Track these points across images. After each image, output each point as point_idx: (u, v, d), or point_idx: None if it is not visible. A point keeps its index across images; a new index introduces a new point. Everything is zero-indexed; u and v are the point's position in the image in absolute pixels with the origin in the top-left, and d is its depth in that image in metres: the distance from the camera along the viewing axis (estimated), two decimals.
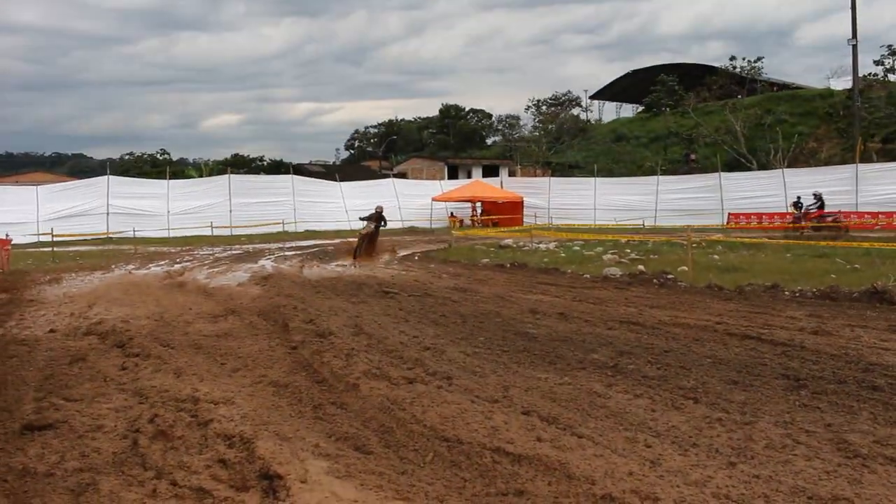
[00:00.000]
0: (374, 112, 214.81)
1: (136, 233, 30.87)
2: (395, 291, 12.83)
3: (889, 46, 54.64)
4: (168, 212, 37.98)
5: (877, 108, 50.07)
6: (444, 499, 3.97)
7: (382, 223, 21.44)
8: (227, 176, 41.99)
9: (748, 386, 6.24)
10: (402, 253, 23.32)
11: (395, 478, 4.27)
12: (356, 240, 21.48)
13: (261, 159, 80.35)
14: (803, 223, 27.80)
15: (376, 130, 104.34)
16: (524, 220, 42.42)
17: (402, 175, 63.14)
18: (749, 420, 5.29)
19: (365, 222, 21.38)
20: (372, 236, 21.04)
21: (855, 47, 45.08)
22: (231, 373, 7.03)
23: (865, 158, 42.13)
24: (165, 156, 77.60)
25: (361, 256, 20.38)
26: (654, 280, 13.82)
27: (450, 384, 6.33)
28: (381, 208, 21.54)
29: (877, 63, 54.88)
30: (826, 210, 29.29)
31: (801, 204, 34.39)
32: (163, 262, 20.68)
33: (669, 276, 13.98)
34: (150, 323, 9.86)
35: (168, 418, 5.23)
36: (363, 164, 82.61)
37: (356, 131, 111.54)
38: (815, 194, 30.02)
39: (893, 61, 54.07)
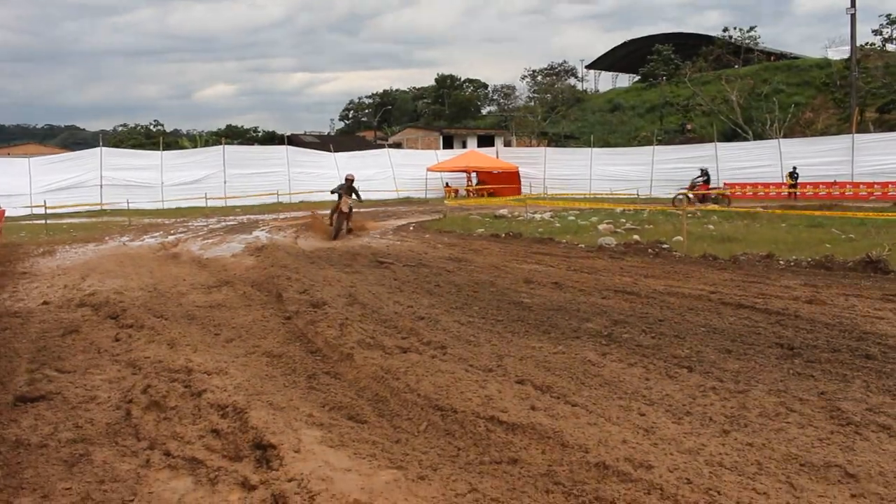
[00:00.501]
0: (370, 82, 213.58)
1: (129, 204, 30.63)
2: (389, 261, 12.80)
3: (888, 15, 54.18)
4: (162, 183, 37.73)
5: (874, 78, 49.79)
6: (437, 467, 3.97)
7: (355, 196, 19.11)
8: (221, 147, 41.71)
9: (742, 355, 6.25)
10: (398, 223, 23.26)
11: (388, 447, 4.27)
12: (330, 216, 18.96)
13: (255, 130, 79.96)
14: (691, 197, 28.38)
15: (371, 101, 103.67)
16: (522, 190, 42.30)
17: (397, 145, 62.96)
18: (743, 388, 5.30)
19: (336, 196, 18.94)
20: (349, 213, 18.73)
21: (853, 16, 44.67)
22: (225, 343, 7.02)
23: (862, 129, 41.98)
24: (159, 127, 77.17)
25: (342, 237, 18.27)
26: (649, 250, 13.82)
27: (444, 353, 6.32)
28: (352, 177, 19.41)
29: (875, 32, 54.44)
30: (712, 185, 30.72)
31: (797, 174, 34.40)
32: (157, 234, 20.61)
33: (664, 246, 13.98)
34: (143, 294, 9.83)
35: (161, 389, 5.22)
36: (358, 135, 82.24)
37: (351, 101, 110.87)
38: (701, 169, 30.90)
39: (892, 30, 53.67)
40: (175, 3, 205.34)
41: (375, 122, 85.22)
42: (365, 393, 5.34)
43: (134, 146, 54.02)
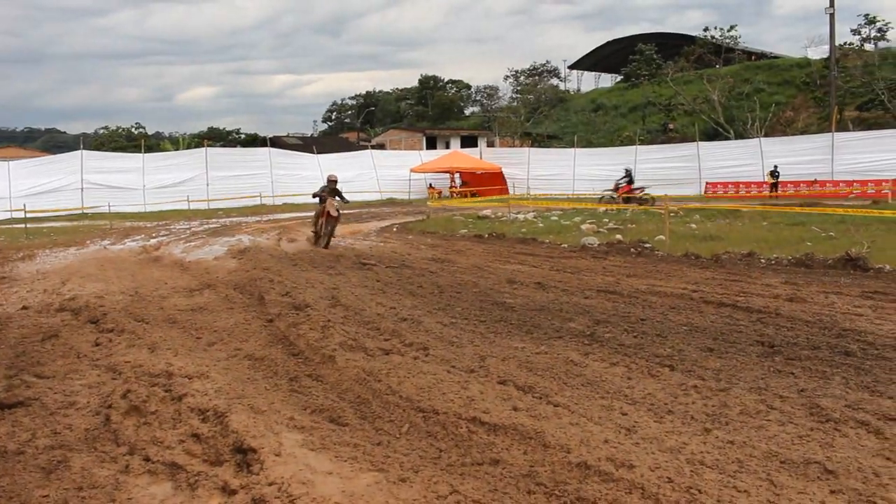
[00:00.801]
0: (353, 84, 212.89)
1: (111, 208, 30.46)
2: (372, 263, 12.79)
3: (866, 15, 54.84)
4: (144, 186, 37.55)
5: (853, 77, 50.25)
6: (419, 469, 3.96)
7: (339, 198, 17.30)
8: (203, 149, 41.56)
9: (724, 353, 6.28)
10: (381, 224, 23.23)
11: (370, 449, 4.25)
12: (315, 222, 17.16)
13: (237, 132, 79.60)
14: (615, 196, 29.01)
15: (354, 102, 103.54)
16: (509, 190, 42.34)
17: (381, 146, 62.86)
18: (724, 387, 5.32)
19: (319, 199, 17.01)
20: (338, 217, 16.86)
21: (832, 16, 45.08)
22: (206, 347, 6.98)
23: (841, 127, 42.31)
24: (141, 130, 76.54)
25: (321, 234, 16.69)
26: (632, 249, 13.88)
27: (426, 355, 6.31)
28: (334, 178, 17.57)
29: (853, 32, 54.96)
30: (635, 185, 30.95)
31: (778, 173, 34.68)
32: (138, 237, 20.48)
33: (647, 246, 14.04)
34: (124, 298, 9.76)
35: (141, 393, 5.17)
36: (341, 136, 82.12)
37: (334, 103, 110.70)
38: (625, 170, 31.67)
39: (870, 30, 54.20)
40: (154, 6, 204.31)
41: (358, 123, 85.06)
42: (347, 395, 5.31)
43: (115, 149, 53.65)
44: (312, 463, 3.98)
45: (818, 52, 57.83)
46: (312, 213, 18.13)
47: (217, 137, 71.26)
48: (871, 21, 53.42)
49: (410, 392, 5.21)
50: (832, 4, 44.36)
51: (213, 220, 28.26)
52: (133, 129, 76.03)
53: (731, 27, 67.58)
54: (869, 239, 13.76)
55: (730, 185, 37.48)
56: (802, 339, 6.69)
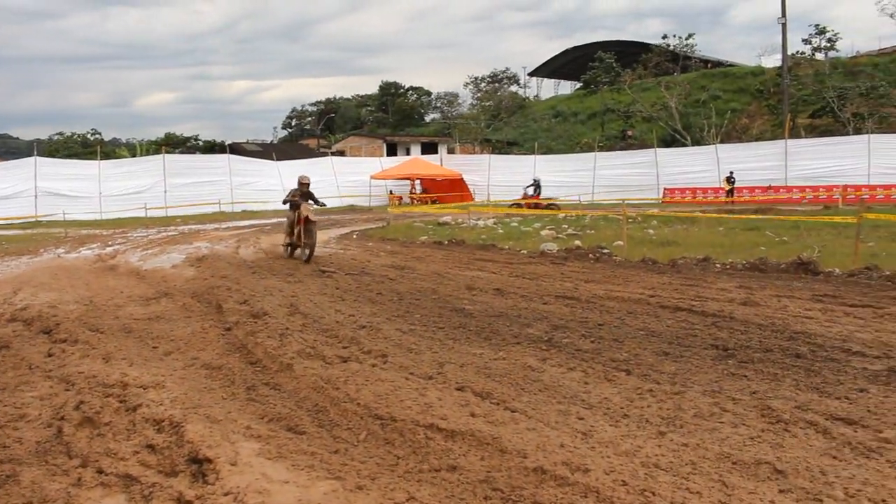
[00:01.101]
0: (313, 90, 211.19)
1: (66, 216, 29.89)
2: (331, 270, 12.74)
3: (816, 26, 56.05)
4: (100, 193, 36.91)
5: (805, 85, 51.38)
6: (376, 476, 3.96)
7: (313, 202, 15.41)
8: (161, 156, 41.03)
9: (679, 357, 6.37)
10: (341, 231, 23.14)
11: (327, 457, 4.24)
12: (288, 231, 15.34)
13: (196, 138, 78.71)
14: (522, 205, 29.90)
15: (314, 108, 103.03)
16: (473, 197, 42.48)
17: (341, 153, 62.69)
18: (679, 390, 5.40)
19: (290, 205, 15.26)
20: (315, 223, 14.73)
21: (784, 26, 46.07)
22: (163, 356, 6.90)
23: (794, 134, 43.25)
24: (97, 136, 75.43)
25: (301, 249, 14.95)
26: (590, 255, 14.01)
27: (385, 362, 6.31)
28: (307, 180, 15.70)
29: (805, 42, 56.21)
30: (543, 195, 32.34)
31: (734, 179, 35.30)
32: (94, 245, 20.13)
33: (605, 251, 14.18)
34: (78, 308, 9.59)
35: (95, 405, 5.09)
36: (301, 143, 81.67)
37: (294, 109, 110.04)
38: (534, 179, 32.73)
39: (820, 40, 55.46)
40: (111, 9, 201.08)
41: (319, 129, 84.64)
42: (304, 403, 5.29)
43: (70, 155, 52.73)
44: (269, 472, 3.96)
45: (772, 61, 59.17)
46: (275, 221, 17.49)
47: (175, 144, 70.33)
48: (821, 31, 54.69)
49: (368, 399, 5.21)
50: (784, 14, 45.32)
51: (171, 227, 27.89)
52: (89, 135, 74.88)
53: (689, 36, 69.01)
54: (820, 243, 14.07)
55: (687, 191, 38.04)
56: (755, 343, 6.82)
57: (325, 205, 16.62)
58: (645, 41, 71.13)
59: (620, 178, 40.77)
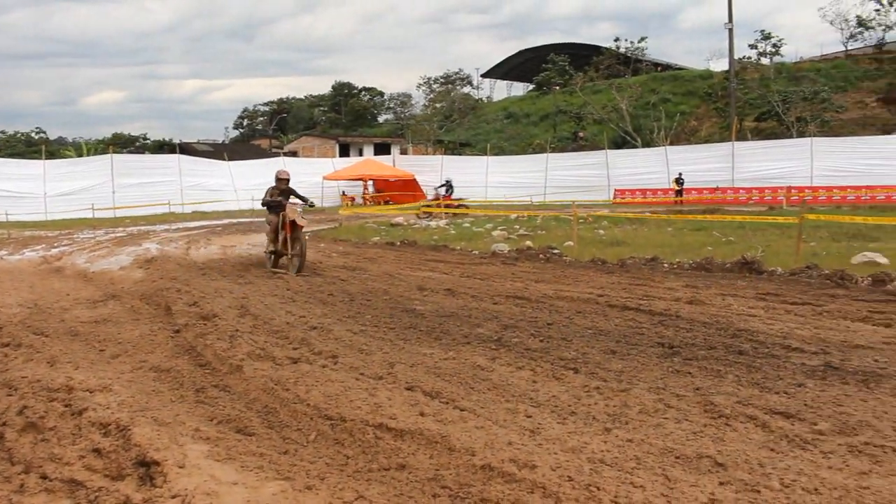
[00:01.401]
0: (265, 90, 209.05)
1: (9, 216, 29.22)
2: (282, 272, 12.67)
3: (762, 31, 57.46)
4: (45, 194, 36.11)
5: (751, 89, 52.60)
6: (325, 476, 3.98)
7: (300, 201, 13.72)
8: (109, 155, 40.30)
9: (626, 355, 6.49)
10: None
11: (276, 458, 4.25)
12: (272, 237, 13.29)
13: (144, 137, 77.43)
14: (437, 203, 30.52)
15: (267, 108, 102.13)
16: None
17: (293, 154, 62.28)
18: (625, 387, 5.50)
19: (269, 206, 13.54)
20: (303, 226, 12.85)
21: (731, 31, 47.08)
22: (110, 359, 6.81)
23: (741, 137, 44.22)
24: (42, 135, 73.72)
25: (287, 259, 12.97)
26: (541, 255, 14.16)
27: (335, 363, 6.32)
28: (286, 175, 14.06)
29: (751, 47, 57.62)
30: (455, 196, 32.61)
31: (683, 180, 35.94)
32: (39, 247, 19.71)
33: (555, 251, 14.35)
34: (22, 311, 9.41)
35: (39, 409, 5.01)
36: (253, 143, 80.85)
37: (246, 109, 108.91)
38: (446, 180, 33.15)
39: (766, 45, 56.82)
40: (56, 5, 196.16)
41: (271, 130, 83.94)
42: (254, 405, 5.28)
43: (13, 155, 51.46)
44: (217, 474, 3.95)
45: (719, 65, 60.39)
46: (227, 222, 16.71)
47: (123, 143, 69.17)
48: (766, 37, 56.14)
49: (318, 400, 5.22)
50: (731, 20, 46.28)
51: (120, 228, 27.41)
52: (33, 134, 73.17)
53: (641, 39, 70.07)
54: (764, 243, 14.42)
55: (637, 192, 38.60)
56: (700, 340, 6.98)
57: (312, 203, 14.13)
58: (597, 44, 72.08)
59: (572, 178, 41.24)
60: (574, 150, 50.42)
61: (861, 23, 57.53)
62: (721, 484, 3.81)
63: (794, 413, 4.85)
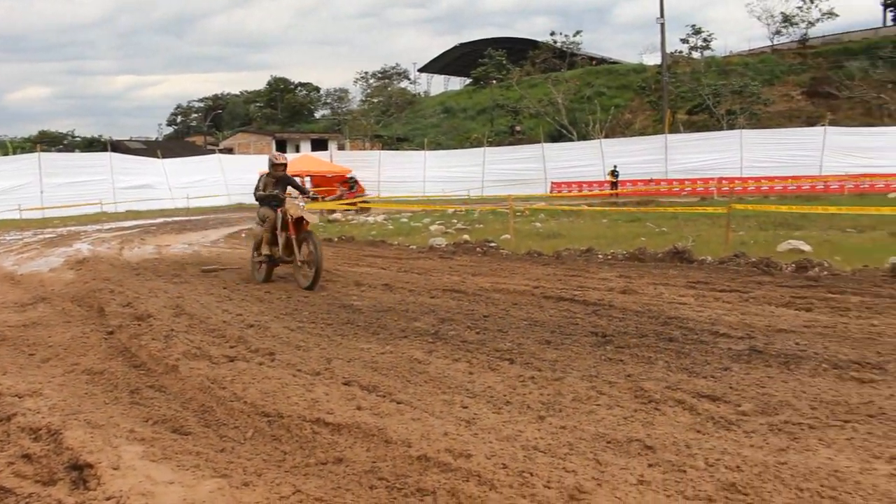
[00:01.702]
0: (199, 86, 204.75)
1: None
2: (220, 268, 12.54)
3: (693, 26, 58.82)
4: None
5: (683, 82, 53.72)
6: (262, 473, 3.99)
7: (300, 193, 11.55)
8: (36, 154, 39.17)
9: (560, 344, 6.62)
10: (230, 230, 22.73)
11: (213, 456, 4.24)
12: (275, 238, 10.93)
13: (72, 135, 75.38)
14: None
15: (201, 105, 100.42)
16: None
17: (229, 150, 61.45)
18: (559, 376, 5.61)
19: (262, 200, 11.26)
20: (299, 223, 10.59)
21: (663, 26, 48.03)
22: (40, 363, 6.66)
23: (674, 129, 45.16)
24: None
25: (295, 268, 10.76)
26: (478, 249, 14.30)
27: (272, 360, 6.31)
28: (283, 160, 11.56)
29: (683, 41, 58.86)
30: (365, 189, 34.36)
31: (618, 172, 36.56)
32: None
33: (492, 245, 14.50)
34: None
35: None
36: (187, 140, 79.47)
37: (179, 106, 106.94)
38: (350, 177, 34.60)
39: (697, 40, 58.16)
40: None
41: (206, 126, 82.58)
42: (190, 404, 5.25)
43: None
44: (153, 474, 3.93)
45: (652, 59, 61.53)
46: (161, 221, 14.74)
47: (51, 141, 67.25)
48: (697, 31, 57.49)
49: (255, 397, 5.22)
50: (662, 15, 47.20)
51: (49, 229, 26.70)
52: None
53: (576, 33, 70.95)
54: (695, 233, 14.79)
55: (574, 185, 39.12)
56: (632, 329, 7.16)
57: (316, 196, 12.22)
58: (533, 38, 72.66)
59: (509, 172, 41.62)
60: (511, 143, 50.83)
61: (786, 19, 59.23)
62: (650, 466, 3.93)
63: (719, 396, 5.02)
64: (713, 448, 4.13)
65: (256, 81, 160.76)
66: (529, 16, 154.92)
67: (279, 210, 10.98)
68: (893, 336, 6.59)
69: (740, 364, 5.81)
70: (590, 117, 51.11)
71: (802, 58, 57.50)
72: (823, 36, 59.40)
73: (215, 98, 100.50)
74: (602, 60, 73.00)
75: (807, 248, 11.96)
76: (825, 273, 10.04)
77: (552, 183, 40.54)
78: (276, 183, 11.26)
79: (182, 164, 42.82)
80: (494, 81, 66.87)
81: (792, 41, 60.42)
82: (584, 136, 49.70)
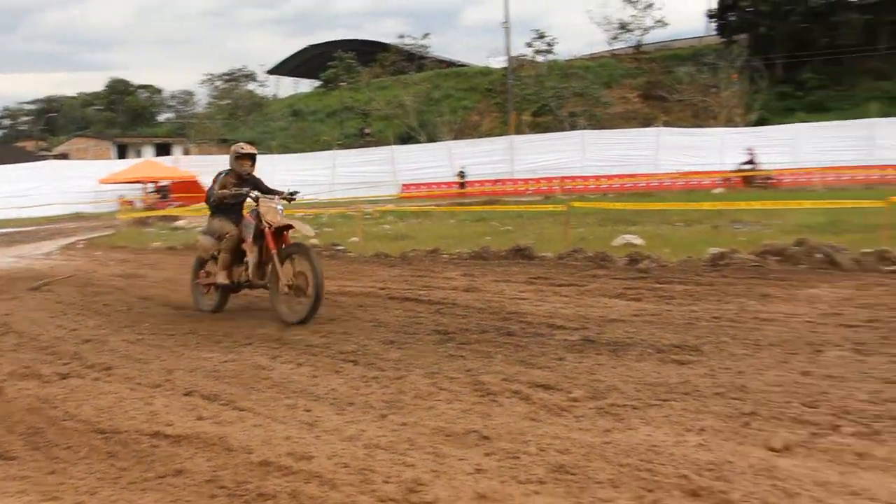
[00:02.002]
0: (30, 86, 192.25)
1: None
2: (54, 281, 11.92)
3: (537, 30, 60.94)
4: None
5: (527, 85, 55.50)
6: (96, 491, 3.89)
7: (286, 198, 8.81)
8: None
9: (403, 344, 6.76)
10: (66, 241, 21.57)
11: (41, 479, 4.08)
12: (241, 253, 8.47)
13: None
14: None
15: (33, 107, 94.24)
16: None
17: (64, 156, 58.04)
18: (402, 374, 5.74)
19: (219, 208, 8.71)
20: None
21: (507, 30, 49.52)
22: None
23: (519, 131, 46.57)
24: None
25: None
26: (325, 252, 14.28)
27: (109, 375, 6.11)
28: (251, 150, 8.92)
29: (528, 45, 60.85)
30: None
31: (465, 173, 37.35)
32: None
33: (340, 248, 14.54)
34: None
35: None
36: (16, 146, 74.39)
37: (7, 108, 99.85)
38: (161, 186, 35.81)
39: (541, 44, 60.31)
40: None
41: (38, 130, 77.70)
42: (17, 427, 5.00)
43: None
44: None
45: (499, 62, 63.12)
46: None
47: None
48: (541, 36, 59.55)
49: (90, 415, 5.05)
50: (507, 20, 48.66)
51: None
52: None
53: (425, 36, 71.67)
54: (538, 231, 15.38)
55: (423, 186, 39.62)
56: (473, 325, 7.39)
57: (293, 195, 8.98)
58: (383, 40, 72.80)
59: (360, 175, 41.62)
60: (361, 146, 50.84)
61: (622, 25, 62.19)
62: (486, 455, 4.11)
63: (553, 385, 5.29)
64: (545, 434, 4.37)
65: (94, 83, 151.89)
66: (379, 18, 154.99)
67: (247, 219, 8.45)
68: (709, 320, 7.17)
69: (574, 354, 6.14)
70: (438, 119, 51.86)
71: (638, 62, 60.52)
72: (656, 43, 62.87)
73: (48, 100, 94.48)
74: (450, 63, 74.10)
75: (639, 241, 12.69)
76: (654, 265, 10.72)
77: (403, 185, 40.89)
78: (239, 183, 8.59)
79: (11, 172, 40.09)
80: (344, 84, 66.55)
81: (628, 47, 63.55)
82: (433, 138, 50.35)
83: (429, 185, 39.54)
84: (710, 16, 57.93)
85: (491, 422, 4.63)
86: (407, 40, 70.29)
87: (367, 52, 68.35)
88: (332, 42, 76.13)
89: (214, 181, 8.66)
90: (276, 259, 8.01)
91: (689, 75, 49.64)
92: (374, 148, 47.24)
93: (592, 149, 40.05)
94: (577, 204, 15.71)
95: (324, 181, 41.74)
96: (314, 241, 12.43)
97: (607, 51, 65.14)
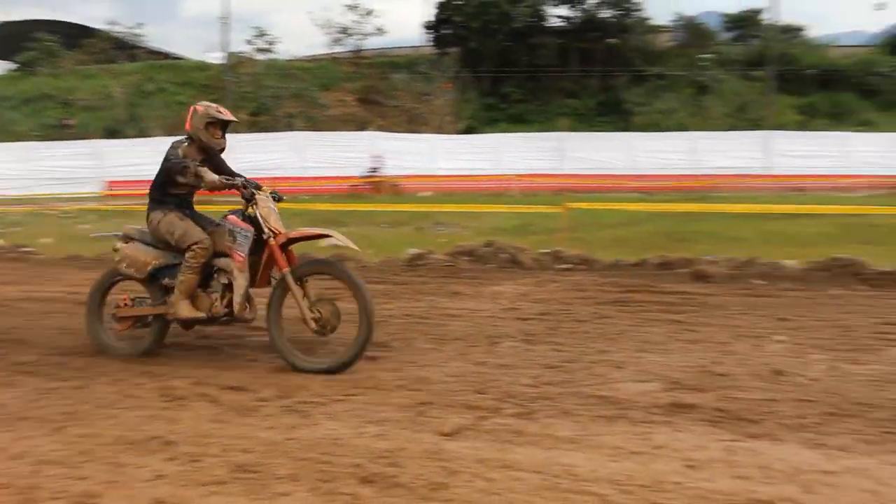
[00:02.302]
0: None
1: None
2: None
3: (258, 28, 60.01)
4: None
5: (245, 83, 54.55)
6: None
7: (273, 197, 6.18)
8: None
9: (81, 353, 6.42)
10: None
11: None
12: (229, 282, 5.98)
13: None
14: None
15: None
16: None
17: None
18: (85, 384, 5.50)
19: (179, 207, 6.30)
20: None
21: (226, 25, 48.32)
22: None
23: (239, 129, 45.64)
24: None
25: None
26: (9, 255, 13.14)
27: None
28: (229, 116, 6.35)
29: (248, 42, 59.71)
30: None
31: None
32: None
33: (27, 250, 13.45)
34: None
35: None
36: None
37: None
38: None
39: (261, 42, 59.51)
40: None
41: None
42: None
43: None
44: None
45: (216, 58, 61.30)
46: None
47: None
48: (262, 34, 58.79)
49: None
50: (226, 14, 47.52)
51: None
52: None
53: (138, 24, 67.61)
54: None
55: (132, 184, 37.43)
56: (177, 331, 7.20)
57: (282, 197, 6.45)
58: (89, 25, 67.55)
59: (59, 170, 38.54)
60: (61, 139, 46.82)
61: (343, 30, 63.09)
62: (168, 459, 4.07)
63: (244, 386, 5.36)
64: (230, 435, 4.43)
65: None
66: (88, 1, 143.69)
67: (231, 223, 5.97)
68: (401, 318, 7.66)
69: (267, 354, 6.22)
70: (151, 113, 49.31)
71: (357, 67, 61.74)
72: (375, 49, 64.61)
73: None
74: (166, 55, 70.64)
75: (345, 243, 12.91)
76: (362, 265, 11.05)
77: (110, 182, 38.34)
78: (205, 160, 6.18)
79: None
80: (43, 69, 60.88)
81: (348, 51, 64.59)
82: (144, 133, 47.74)
83: (138, 182, 37.36)
84: (427, 27, 60.67)
85: (177, 427, 4.60)
86: (118, 27, 66.01)
87: (73, 35, 63.13)
88: (30, 21, 69.31)
89: (171, 154, 6.08)
90: (290, 282, 5.83)
91: (404, 82, 51.72)
92: (76, 141, 43.82)
93: (311, 150, 40.41)
94: (291, 205, 15.73)
95: (18, 176, 38.07)
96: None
97: (327, 54, 65.80)
